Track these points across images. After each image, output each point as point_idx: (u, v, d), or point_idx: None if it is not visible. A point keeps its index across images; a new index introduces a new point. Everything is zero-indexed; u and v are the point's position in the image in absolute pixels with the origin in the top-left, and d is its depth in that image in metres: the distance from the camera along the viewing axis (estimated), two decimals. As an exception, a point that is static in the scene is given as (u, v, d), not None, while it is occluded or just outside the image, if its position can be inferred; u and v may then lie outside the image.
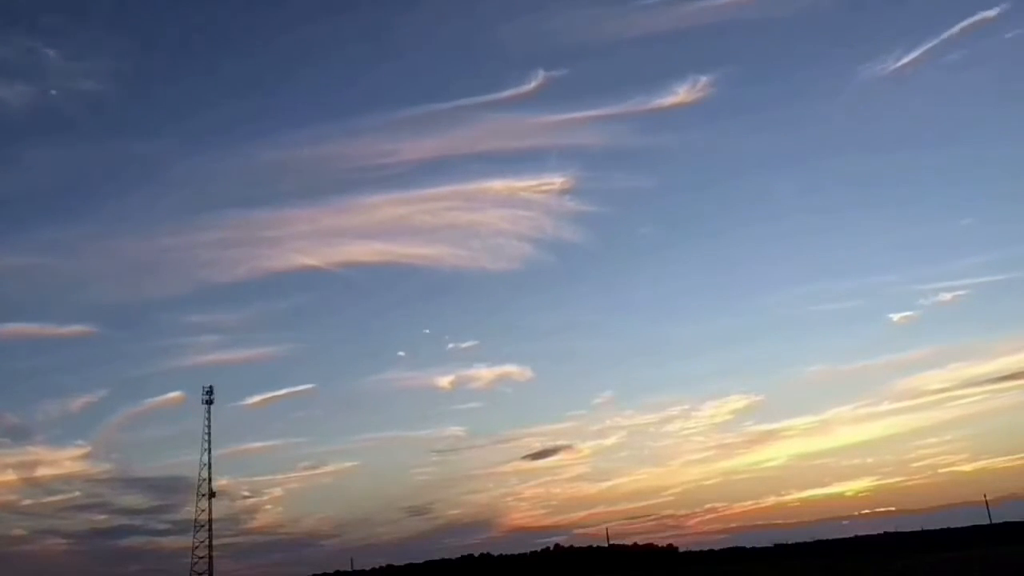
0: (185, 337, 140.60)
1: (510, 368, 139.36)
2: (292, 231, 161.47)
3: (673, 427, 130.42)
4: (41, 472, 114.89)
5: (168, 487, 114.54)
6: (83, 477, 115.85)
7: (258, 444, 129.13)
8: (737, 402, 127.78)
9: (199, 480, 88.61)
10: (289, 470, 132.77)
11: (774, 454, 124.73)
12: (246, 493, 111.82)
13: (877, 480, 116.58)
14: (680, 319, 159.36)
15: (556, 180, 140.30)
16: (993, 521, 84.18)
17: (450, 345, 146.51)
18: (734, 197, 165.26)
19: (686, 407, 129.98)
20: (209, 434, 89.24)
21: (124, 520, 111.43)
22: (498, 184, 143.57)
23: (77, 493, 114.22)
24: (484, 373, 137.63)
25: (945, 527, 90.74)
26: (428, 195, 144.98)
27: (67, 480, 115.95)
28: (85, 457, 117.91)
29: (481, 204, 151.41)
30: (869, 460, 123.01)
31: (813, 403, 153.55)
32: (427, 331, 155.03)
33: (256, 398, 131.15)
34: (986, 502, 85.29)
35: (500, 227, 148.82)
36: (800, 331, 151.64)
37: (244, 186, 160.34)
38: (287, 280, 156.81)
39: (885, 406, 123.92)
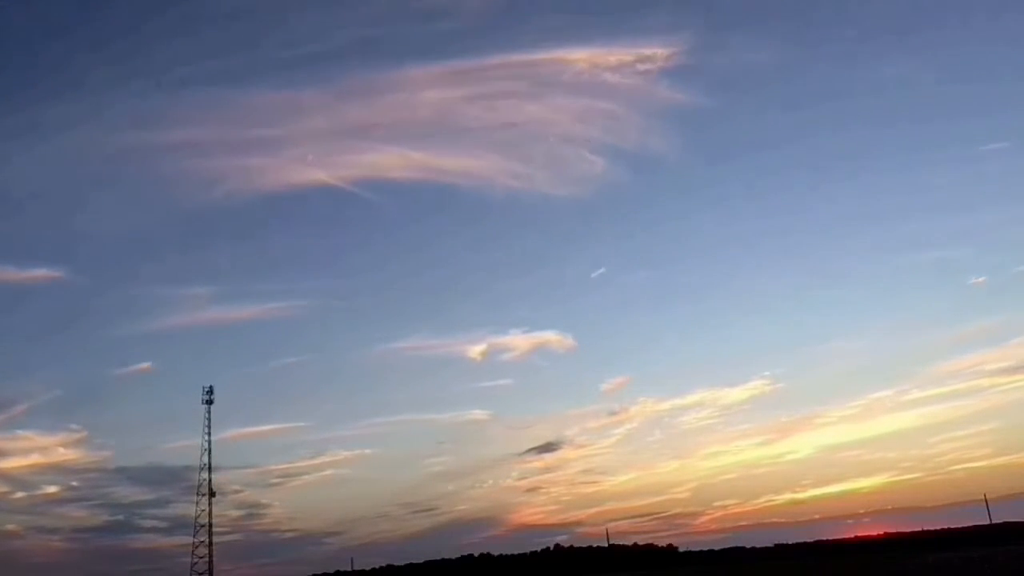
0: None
1: (550, 335, 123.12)
2: (293, 128, 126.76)
3: (698, 414, 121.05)
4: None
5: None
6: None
7: (251, 429, 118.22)
8: (764, 386, 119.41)
9: (199, 480, 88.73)
10: (287, 459, 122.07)
11: (796, 446, 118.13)
12: (237, 488, 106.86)
13: (893, 477, 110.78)
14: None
15: (660, 51, 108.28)
16: (993, 521, 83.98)
17: (485, 304, 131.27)
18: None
19: (713, 391, 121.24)
20: (209, 434, 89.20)
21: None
22: (579, 54, 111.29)
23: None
24: (520, 341, 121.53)
25: (945, 527, 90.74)
26: (484, 69, 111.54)
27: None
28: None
29: (551, 88, 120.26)
30: (891, 454, 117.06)
31: (849, 387, 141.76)
32: (459, 285, 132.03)
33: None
34: (986, 502, 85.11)
35: (570, 130, 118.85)
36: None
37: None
38: (282, 202, 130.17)
39: (930, 390, 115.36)
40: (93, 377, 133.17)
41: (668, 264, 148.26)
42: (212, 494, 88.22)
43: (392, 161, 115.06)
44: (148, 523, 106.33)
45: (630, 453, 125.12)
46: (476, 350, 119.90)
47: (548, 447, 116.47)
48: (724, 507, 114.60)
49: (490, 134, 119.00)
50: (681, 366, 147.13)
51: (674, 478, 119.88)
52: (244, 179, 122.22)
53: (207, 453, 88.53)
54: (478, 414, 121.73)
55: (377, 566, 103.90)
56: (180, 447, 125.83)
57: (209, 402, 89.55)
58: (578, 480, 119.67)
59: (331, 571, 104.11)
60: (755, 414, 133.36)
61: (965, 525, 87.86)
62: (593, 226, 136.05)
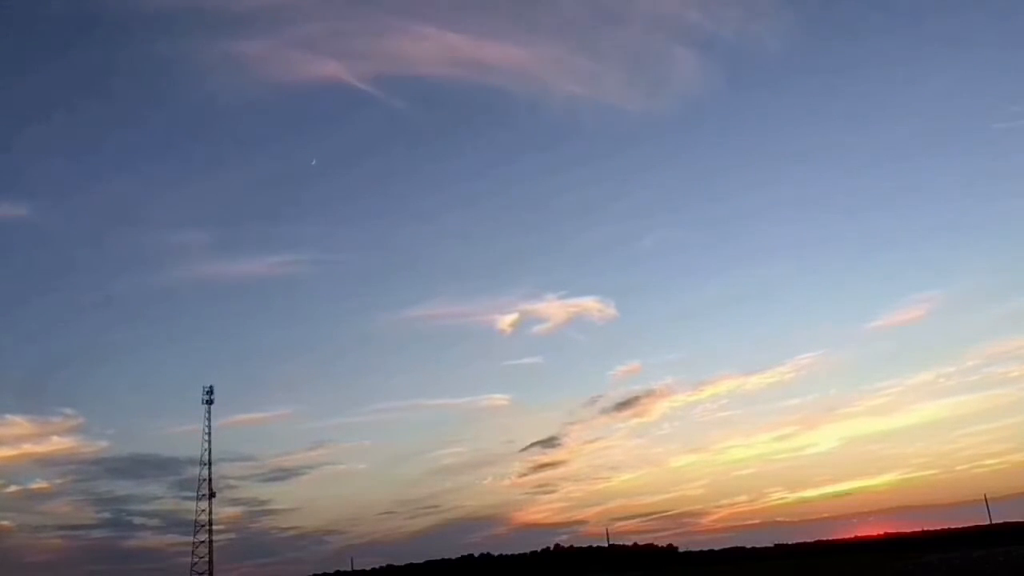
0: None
1: (589, 301, 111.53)
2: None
3: (718, 403, 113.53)
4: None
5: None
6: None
7: (246, 416, 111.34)
8: (789, 373, 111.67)
9: (199, 480, 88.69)
10: (284, 450, 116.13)
11: (819, 439, 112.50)
12: (233, 483, 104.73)
13: (904, 474, 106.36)
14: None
15: None
16: (993, 521, 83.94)
17: (522, 257, 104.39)
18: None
19: (737, 377, 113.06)
20: (209, 435, 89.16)
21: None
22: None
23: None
24: (555, 309, 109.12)
25: (946, 527, 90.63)
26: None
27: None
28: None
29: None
30: (910, 448, 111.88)
31: (885, 371, 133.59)
32: (490, 234, 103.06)
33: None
34: (986, 502, 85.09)
35: (655, 9, 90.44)
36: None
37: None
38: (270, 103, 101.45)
39: (969, 376, 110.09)
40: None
41: (722, 224, 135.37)
42: (212, 494, 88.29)
43: (420, 50, 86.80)
44: (146, 520, 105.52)
45: (642, 446, 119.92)
46: (505, 321, 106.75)
47: (553, 441, 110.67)
48: (733, 505, 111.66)
49: (554, 12, 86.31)
50: (705, 349, 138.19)
51: (687, 474, 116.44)
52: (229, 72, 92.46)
53: (207, 453, 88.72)
54: (498, 399, 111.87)
55: (377, 566, 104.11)
56: (175, 433, 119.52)
57: (209, 402, 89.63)
58: (586, 476, 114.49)
59: (331, 571, 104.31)
60: (781, 402, 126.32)
61: (965, 525, 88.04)
62: (668, 152, 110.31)
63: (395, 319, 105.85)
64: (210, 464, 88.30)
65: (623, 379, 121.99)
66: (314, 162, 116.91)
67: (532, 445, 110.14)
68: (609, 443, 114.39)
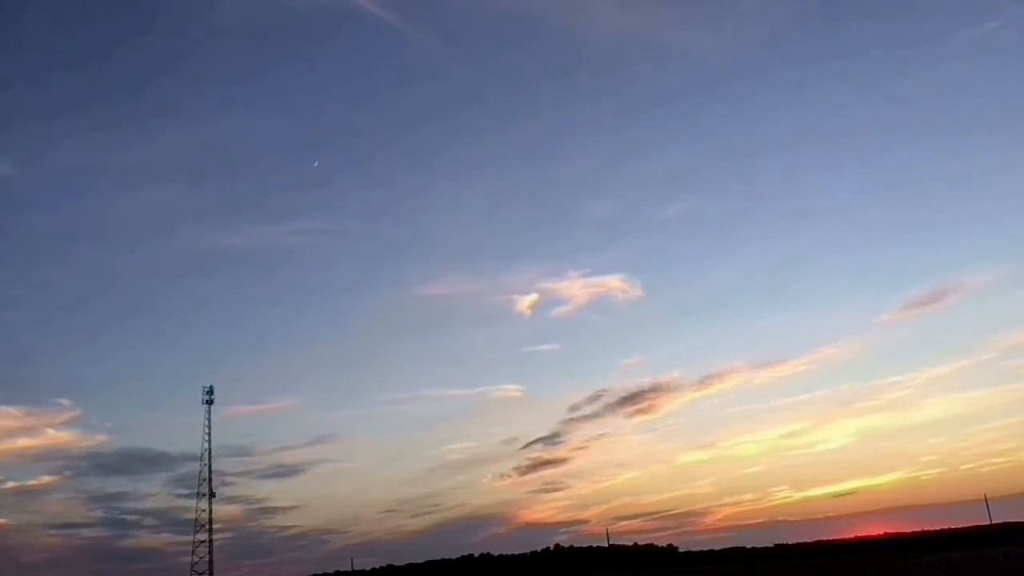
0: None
1: (614, 280, 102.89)
2: None
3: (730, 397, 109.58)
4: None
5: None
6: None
7: (244, 408, 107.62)
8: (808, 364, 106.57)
9: (199, 479, 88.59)
10: (285, 446, 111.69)
11: (832, 434, 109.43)
12: (231, 479, 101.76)
13: (911, 473, 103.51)
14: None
15: None
16: (993, 521, 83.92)
17: (547, 227, 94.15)
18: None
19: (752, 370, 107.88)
20: (209, 435, 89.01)
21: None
22: None
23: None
24: (577, 288, 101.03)
25: (945, 527, 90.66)
26: None
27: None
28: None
29: None
30: (922, 445, 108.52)
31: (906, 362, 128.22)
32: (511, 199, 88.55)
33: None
34: (986, 502, 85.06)
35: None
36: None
37: None
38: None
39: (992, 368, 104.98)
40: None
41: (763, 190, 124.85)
42: (212, 494, 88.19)
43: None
44: (141, 519, 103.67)
45: (649, 442, 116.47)
46: (524, 302, 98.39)
47: (555, 438, 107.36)
48: (738, 503, 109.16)
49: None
50: (714, 341, 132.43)
51: (694, 471, 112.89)
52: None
53: (207, 454, 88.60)
54: (510, 390, 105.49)
55: (377, 566, 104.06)
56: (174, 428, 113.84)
57: (209, 402, 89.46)
58: (590, 473, 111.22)
59: (331, 571, 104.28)
60: (793, 397, 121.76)
61: (965, 525, 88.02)
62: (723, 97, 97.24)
63: (400, 297, 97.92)
64: (210, 466, 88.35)
65: (631, 371, 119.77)
66: (316, 164, 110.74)
67: (535, 441, 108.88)
68: (615, 439, 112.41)
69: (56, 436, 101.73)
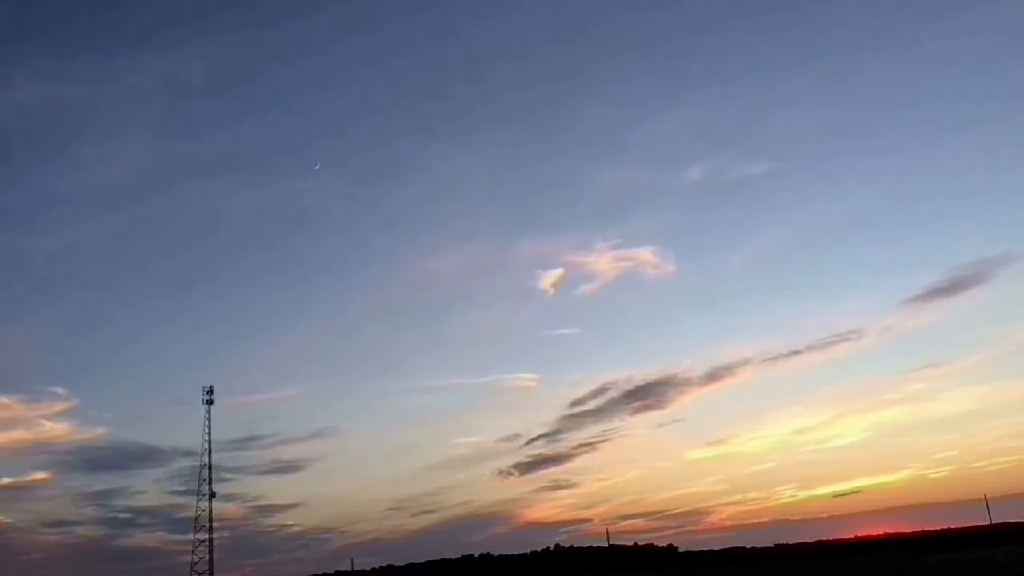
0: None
1: (644, 252, 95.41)
2: None
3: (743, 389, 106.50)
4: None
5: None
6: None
7: (242, 398, 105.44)
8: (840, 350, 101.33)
9: (199, 480, 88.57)
10: (285, 440, 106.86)
11: (846, 429, 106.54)
12: (228, 476, 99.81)
13: (920, 470, 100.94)
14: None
15: None
16: (993, 521, 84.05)
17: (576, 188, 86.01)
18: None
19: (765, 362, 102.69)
20: (209, 435, 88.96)
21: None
22: None
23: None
24: (604, 263, 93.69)
25: (945, 527, 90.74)
26: None
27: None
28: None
29: None
30: (936, 440, 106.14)
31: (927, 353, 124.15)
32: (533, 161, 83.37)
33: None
34: (986, 502, 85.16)
35: None
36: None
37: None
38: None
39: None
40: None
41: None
42: (212, 494, 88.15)
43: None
44: (137, 516, 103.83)
45: (658, 437, 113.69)
46: (548, 279, 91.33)
47: (556, 436, 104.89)
48: (744, 502, 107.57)
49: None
50: (727, 331, 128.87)
51: (703, 468, 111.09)
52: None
53: (207, 454, 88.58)
54: (524, 379, 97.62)
55: (378, 565, 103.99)
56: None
57: (209, 402, 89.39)
58: (595, 474, 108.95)
59: (331, 571, 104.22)
60: (815, 387, 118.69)
61: (965, 525, 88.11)
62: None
63: (409, 269, 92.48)
64: (210, 467, 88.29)
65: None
66: (317, 166, 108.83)
67: (538, 438, 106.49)
68: (624, 435, 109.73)
69: (53, 428, 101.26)
